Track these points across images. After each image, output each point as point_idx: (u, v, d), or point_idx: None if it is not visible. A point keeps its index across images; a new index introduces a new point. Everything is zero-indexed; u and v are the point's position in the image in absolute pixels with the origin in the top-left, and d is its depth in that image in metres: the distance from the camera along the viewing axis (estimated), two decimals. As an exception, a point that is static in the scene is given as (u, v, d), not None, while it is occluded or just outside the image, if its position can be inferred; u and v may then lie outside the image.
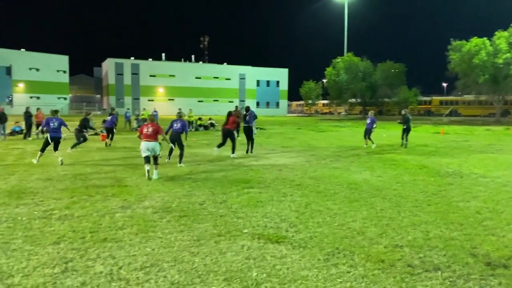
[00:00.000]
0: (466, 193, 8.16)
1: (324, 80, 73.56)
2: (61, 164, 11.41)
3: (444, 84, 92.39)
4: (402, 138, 17.86)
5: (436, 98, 69.07)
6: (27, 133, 20.71)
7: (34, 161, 11.69)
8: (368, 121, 17.53)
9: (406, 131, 17.79)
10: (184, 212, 6.53)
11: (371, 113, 18.31)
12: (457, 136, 25.06)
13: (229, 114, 14.13)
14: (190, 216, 6.27)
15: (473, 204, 7.27)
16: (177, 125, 11.54)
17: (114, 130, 17.78)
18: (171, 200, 7.36)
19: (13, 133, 22.41)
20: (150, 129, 9.74)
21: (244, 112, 15.55)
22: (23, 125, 21.76)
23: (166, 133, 11.27)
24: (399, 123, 18.71)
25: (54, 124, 11.72)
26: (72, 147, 14.98)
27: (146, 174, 9.44)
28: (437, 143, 19.90)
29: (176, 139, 11.49)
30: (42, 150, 11.75)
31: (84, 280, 3.98)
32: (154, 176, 9.55)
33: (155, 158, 9.81)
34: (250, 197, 7.60)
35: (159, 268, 4.28)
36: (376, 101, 66.91)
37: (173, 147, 11.54)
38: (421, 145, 18.40)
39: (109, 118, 17.98)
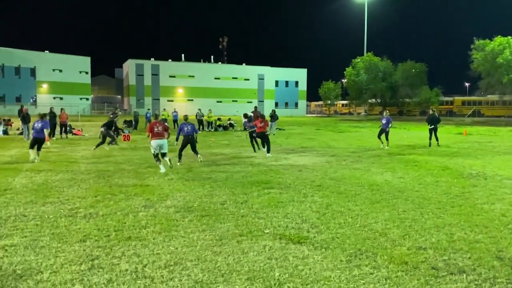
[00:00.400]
0: (491, 195, 8.00)
1: (344, 80, 73.11)
2: (31, 162, 12.08)
3: (467, 84, 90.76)
4: (430, 139, 18.23)
5: (458, 98, 67.78)
6: (51, 133, 21.13)
7: (36, 159, 12.19)
8: (384, 121, 17.34)
9: (434, 130, 18.26)
10: (205, 211, 6.59)
11: (386, 113, 18.15)
12: (480, 137, 24.56)
13: (263, 116, 15.68)
14: (212, 216, 6.33)
15: (498, 206, 7.13)
16: (187, 128, 11.89)
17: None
18: (193, 199, 7.44)
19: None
20: (160, 128, 10.80)
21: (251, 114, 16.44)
22: (47, 125, 22.22)
23: (177, 138, 11.96)
24: (429, 124, 18.85)
25: (38, 126, 12.55)
26: (109, 143, 16.18)
27: (162, 169, 10.48)
28: (460, 144, 19.54)
29: (189, 142, 11.91)
30: (31, 147, 12.38)
31: (110, 277, 4.06)
32: (168, 163, 10.61)
33: (164, 154, 10.78)
34: (271, 198, 7.61)
35: (183, 267, 4.33)
36: (397, 102, 66.16)
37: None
38: (444, 146, 18.09)
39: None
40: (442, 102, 63.72)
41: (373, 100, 67.75)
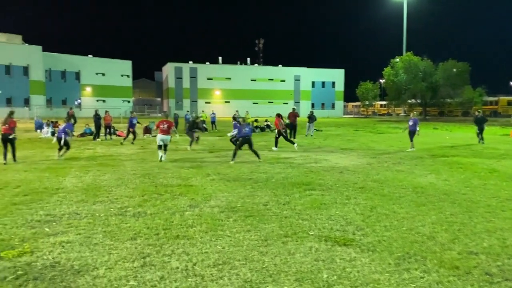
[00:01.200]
0: (544, 199, 7.63)
1: (382, 81, 71.67)
2: (57, 158, 13.34)
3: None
4: (478, 137, 19.81)
5: (504, 98, 64.79)
6: (97, 135, 21.93)
7: (56, 156, 13.46)
8: (411, 122, 16.75)
9: (480, 131, 19.85)
10: (249, 212, 6.65)
11: (413, 114, 17.74)
12: (528, 138, 23.45)
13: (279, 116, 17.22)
14: (256, 216, 6.37)
15: (553, 211, 6.80)
16: (245, 130, 12.88)
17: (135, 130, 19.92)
18: (235, 200, 7.52)
19: (84, 134, 23.84)
20: (166, 126, 12.99)
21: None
22: (93, 127, 23.07)
23: (237, 139, 13.25)
24: (476, 122, 20.44)
25: (61, 127, 14.06)
26: (190, 145, 17.06)
27: (159, 158, 12.81)
28: (507, 145, 18.74)
29: (247, 142, 12.84)
30: (60, 148, 13.58)
31: (162, 274, 4.18)
32: (163, 158, 12.81)
33: (165, 146, 13.01)
34: (313, 199, 7.58)
35: (231, 266, 4.40)
36: (437, 102, 64.08)
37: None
38: (489, 148, 17.43)
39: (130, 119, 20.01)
40: (486, 102, 61.24)
41: (413, 100, 65.98)
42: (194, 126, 17.66)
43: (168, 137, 13.02)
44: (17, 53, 61.44)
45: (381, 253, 4.80)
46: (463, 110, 63.11)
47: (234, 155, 12.81)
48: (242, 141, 12.92)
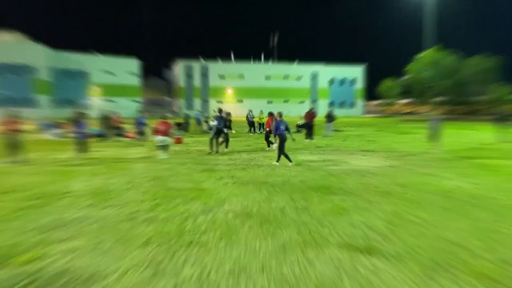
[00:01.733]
0: None
1: (406, 77, 70.96)
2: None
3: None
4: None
5: (537, 96, 63.60)
6: (105, 136, 22.18)
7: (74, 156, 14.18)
8: (433, 122, 16.77)
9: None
10: (265, 217, 6.65)
11: (435, 113, 17.69)
12: None
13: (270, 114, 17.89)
14: (272, 222, 6.37)
15: None
16: (282, 127, 12.77)
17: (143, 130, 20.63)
18: (251, 205, 7.52)
19: (92, 135, 24.10)
20: (163, 128, 14.52)
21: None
22: (101, 128, 23.35)
23: (275, 135, 13.14)
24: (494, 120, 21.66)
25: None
26: (226, 146, 17.24)
27: (160, 156, 14.26)
28: (541, 146, 18.38)
29: (285, 140, 12.77)
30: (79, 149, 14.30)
31: (176, 283, 4.21)
32: (165, 155, 14.33)
33: (166, 146, 14.61)
34: (333, 205, 7.54)
35: (248, 275, 4.40)
36: (465, 100, 63.14)
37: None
38: (522, 149, 17.11)
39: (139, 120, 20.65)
40: (517, 100, 60.06)
41: (438, 98, 65.11)
42: (226, 126, 17.55)
43: (166, 138, 14.57)
44: (23, 52, 62.54)
45: (408, 262, 4.75)
46: (492, 108, 62.10)
47: (287, 157, 12.64)
48: (281, 140, 12.68)
